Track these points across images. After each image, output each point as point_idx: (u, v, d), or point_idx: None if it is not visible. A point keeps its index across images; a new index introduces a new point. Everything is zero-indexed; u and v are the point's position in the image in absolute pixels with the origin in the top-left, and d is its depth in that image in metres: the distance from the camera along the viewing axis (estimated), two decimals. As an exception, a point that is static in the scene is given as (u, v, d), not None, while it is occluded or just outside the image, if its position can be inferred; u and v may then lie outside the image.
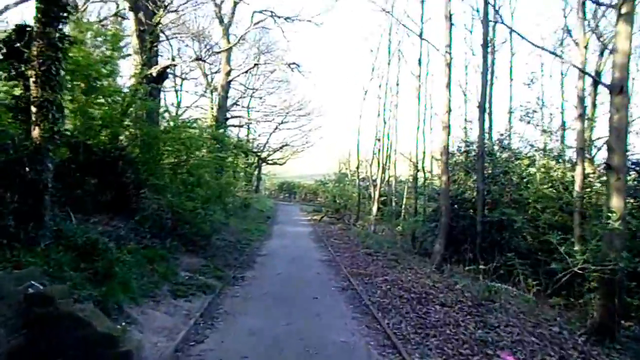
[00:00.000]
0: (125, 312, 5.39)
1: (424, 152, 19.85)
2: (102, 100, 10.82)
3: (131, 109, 11.47)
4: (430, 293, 8.89)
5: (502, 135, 16.44)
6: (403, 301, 8.13)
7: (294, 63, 30.61)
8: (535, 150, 14.76)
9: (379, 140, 25.81)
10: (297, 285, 9.09)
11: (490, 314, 7.81)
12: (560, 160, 13.66)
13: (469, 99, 20.13)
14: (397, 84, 23.55)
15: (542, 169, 13.74)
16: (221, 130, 17.80)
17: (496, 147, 15.86)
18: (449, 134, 13.05)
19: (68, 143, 10.04)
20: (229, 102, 35.74)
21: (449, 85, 12.72)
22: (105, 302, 5.16)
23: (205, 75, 35.34)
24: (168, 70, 18.12)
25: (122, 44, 16.30)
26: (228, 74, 29.36)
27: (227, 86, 29.69)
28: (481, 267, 11.76)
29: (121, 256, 6.84)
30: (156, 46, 16.30)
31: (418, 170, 19.13)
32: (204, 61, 24.63)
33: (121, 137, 11.47)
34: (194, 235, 11.16)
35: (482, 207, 15.04)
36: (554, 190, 12.96)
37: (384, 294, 8.68)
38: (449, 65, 12.81)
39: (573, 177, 12.92)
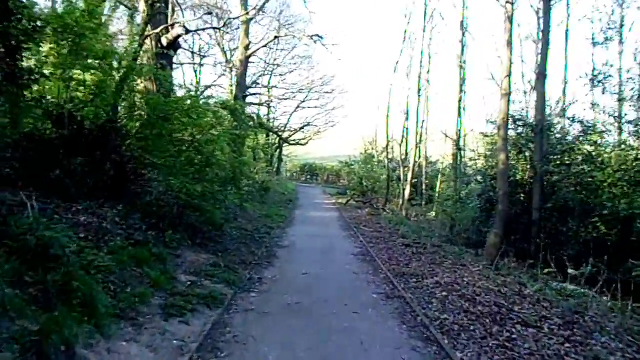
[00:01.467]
0: (79, 355, 3.55)
1: (461, 130, 17.60)
2: (94, 64, 8.99)
3: (132, 75, 9.62)
4: (501, 304, 6.85)
5: (566, 105, 14.00)
6: (471, 318, 6.13)
7: (316, 35, 28.44)
8: (611, 123, 12.34)
9: (408, 117, 23.52)
10: (328, 292, 7.18)
11: (592, 338, 5.76)
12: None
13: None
14: (430, 56, 21.09)
15: (621, 146, 11.39)
16: (238, 105, 15.89)
17: (557, 120, 13.50)
18: (509, 102, 10.79)
19: (49, 114, 8.30)
20: (249, 80, 33.83)
21: (510, 43, 10.44)
22: (42, 342, 3.32)
23: (224, 52, 33.34)
24: (182, 39, 16.28)
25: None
26: (247, 47, 27.39)
27: (245, 62, 27.74)
28: (550, 269, 9.67)
29: (95, 260, 5.04)
30: (166, 9, 14.46)
31: (460, 149, 16.89)
32: (218, 29, 22.53)
33: (120, 109, 9.71)
34: (202, 225, 9.36)
35: (540, 191, 12.81)
36: (637, 171, 10.62)
37: (442, 305, 6.70)
38: (510, 18, 10.49)
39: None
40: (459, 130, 17.61)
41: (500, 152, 10.55)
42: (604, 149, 12.04)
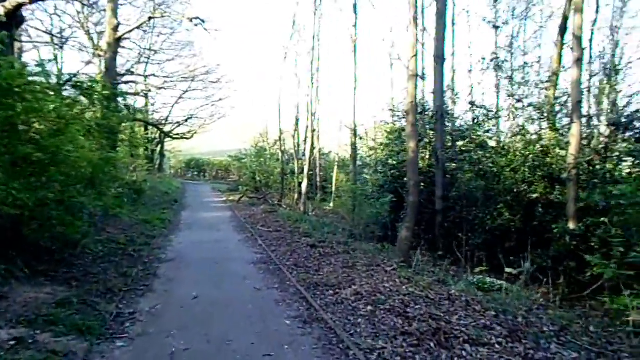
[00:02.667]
0: None
1: (355, 118, 16.84)
2: None
3: None
4: (437, 316, 5.79)
5: (469, 91, 13.82)
6: (411, 342, 4.90)
7: (197, 18, 25.84)
8: (509, 108, 12.31)
9: (299, 109, 22.36)
10: (226, 324, 5.47)
11: (543, 349, 4.94)
12: (539, 119, 11.27)
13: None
14: (318, 39, 20.05)
15: (517, 130, 11.33)
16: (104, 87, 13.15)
17: (453, 106, 13.26)
18: (416, 84, 9.97)
19: None
20: (122, 68, 29.93)
21: (415, 19, 9.58)
22: None
23: (90, 35, 28.84)
24: (32, 16, 12.95)
25: None
26: (115, 29, 23.82)
27: (115, 45, 24.08)
28: (465, 261, 9.08)
29: None
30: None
31: (361, 138, 16.06)
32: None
33: None
34: (51, 243, 6.97)
35: (442, 180, 12.42)
36: (536, 156, 10.58)
37: (372, 327, 5.42)
38: (415, -7, 9.64)
39: (559, 138, 10.66)
40: (355, 120, 16.80)
41: (410, 139, 9.70)
42: (504, 134, 12.00)
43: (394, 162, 14.21)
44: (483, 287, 8.57)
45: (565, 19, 12.85)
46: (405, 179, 13.59)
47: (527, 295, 7.75)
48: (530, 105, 11.03)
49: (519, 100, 11.07)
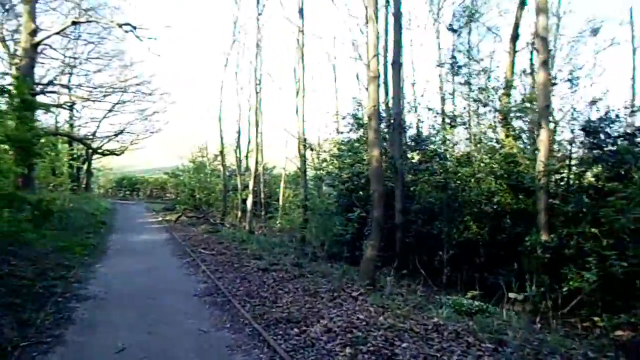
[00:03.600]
0: None
1: (303, 127, 15.80)
2: None
3: None
4: (432, 356, 4.73)
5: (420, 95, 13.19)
6: (415, 401, 3.79)
7: (127, 24, 23.87)
8: (470, 114, 11.77)
9: (240, 120, 21.05)
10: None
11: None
12: (502, 125, 10.79)
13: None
14: (258, 45, 18.96)
15: (478, 138, 10.78)
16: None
17: (412, 113, 12.59)
18: (378, 86, 9.07)
19: None
20: (44, 80, 27.13)
21: (375, 15, 8.73)
22: None
23: (4, 44, 25.78)
24: None
25: None
26: (33, 33, 21.58)
27: (32, 51, 21.81)
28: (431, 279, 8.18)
29: None
30: None
31: (311, 149, 14.96)
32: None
33: None
34: None
35: (401, 192, 11.60)
36: (501, 165, 10.02)
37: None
38: (373, -12, 8.80)
39: (520, 146, 10.18)
40: (303, 129, 15.71)
41: (373, 146, 8.74)
42: (465, 142, 11.44)
43: (347, 175, 13.25)
44: (461, 310, 7.70)
45: (516, 26, 12.68)
46: (361, 193, 12.69)
47: (513, 317, 6.91)
48: (494, 109, 10.52)
49: (485, 104, 10.54)
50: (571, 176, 9.20)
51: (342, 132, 14.16)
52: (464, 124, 11.63)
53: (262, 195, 24.97)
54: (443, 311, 6.52)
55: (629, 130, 8.44)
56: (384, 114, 13.37)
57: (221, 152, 23.89)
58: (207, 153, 29.88)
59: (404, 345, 5.07)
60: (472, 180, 10.28)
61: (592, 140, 8.81)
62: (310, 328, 5.72)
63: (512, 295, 6.99)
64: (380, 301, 7.02)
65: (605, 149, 8.84)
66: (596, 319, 6.98)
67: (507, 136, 10.18)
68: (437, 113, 11.79)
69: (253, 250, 12.41)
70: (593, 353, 5.64)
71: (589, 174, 9.51)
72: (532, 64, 12.27)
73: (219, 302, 7.23)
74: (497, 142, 10.45)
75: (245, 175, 25.07)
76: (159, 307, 6.87)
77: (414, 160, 12.02)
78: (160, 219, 23.59)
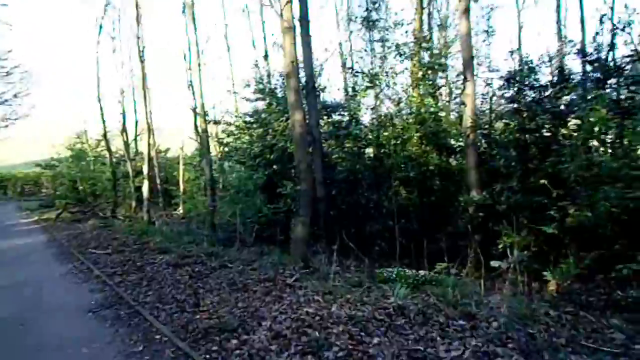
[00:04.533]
0: None
1: (200, 98, 14.00)
2: None
3: None
4: (416, 352, 3.84)
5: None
6: None
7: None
8: (389, 73, 10.97)
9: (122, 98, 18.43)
10: None
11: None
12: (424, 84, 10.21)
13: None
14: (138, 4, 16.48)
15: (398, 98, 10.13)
16: None
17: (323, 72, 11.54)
18: (294, 38, 7.83)
19: None
20: None
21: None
22: None
23: None
24: None
25: None
26: None
27: None
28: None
29: None
30: None
31: (215, 123, 13.22)
32: None
33: None
34: None
35: (320, 161, 10.66)
36: (425, 126, 9.48)
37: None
38: None
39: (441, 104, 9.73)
40: (203, 101, 13.90)
41: (294, 109, 7.56)
42: (385, 104, 10.73)
43: (259, 148, 11.93)
44: (407, 282, 7.02)
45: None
46: (276, 167, 11.50)
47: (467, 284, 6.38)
48: (414, 65, 9.85)
49: (403, 60, 9.80)
50: (494, 131, 8.94)
51: (250, 100, 12.70)
52: (381, 84, 10.94)
53: (159, 181, 22.50)
54: (395, 289, 5.68)
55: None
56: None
57: (104, 136, 20.84)
58: (87, 139, 26.14)
59: (375, 341, 4.11)
60: (397, 143, 9.65)
61: (514, 91, 8.57)
62: (251, 335, 4.49)
63: (495, 263, 6.39)
64: (323, 286, 5.99)
65: (525, 100, 8.68)
66: (545, 273, 6.70)
67: (427, 94, 9.67)
68: (356, 73, 10.88)
69: (157, 244, 10.65)
70: (554, 311, 5.27)
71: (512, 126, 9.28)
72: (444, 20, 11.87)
73: (123, 316, 5.63)
74: (413, 100, 9.85)
75: (137, 160, 22.37)
76: (35, 337, 5.10)
77: (335, 125, 11.10)
78: (36, 218, 20.03)
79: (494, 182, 8.67)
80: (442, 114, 9.80)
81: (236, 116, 13.92)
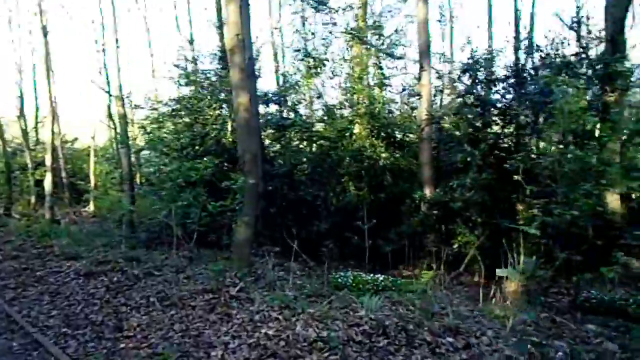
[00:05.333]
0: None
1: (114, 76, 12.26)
2: None
3: None
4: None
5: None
6: None
7: None
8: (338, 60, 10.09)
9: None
10: None
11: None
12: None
13: None
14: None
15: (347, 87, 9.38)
16: None
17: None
18: (241, 10, 6.76)
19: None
20: None
21: None
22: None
23: None
24: None
25: None
26: None
27: None
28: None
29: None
30: None
31: (135, 107, 11.52)
32: None
33: None
34: None
35: (260, 153, 9.72)
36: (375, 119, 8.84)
37: None
38: None
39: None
40: (119, 81, 12.16)
41: (239, 90, 6.49)
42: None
43: (188, 138, 10.62)
44: (366, 289, 6.30)
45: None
46: (206, 159, 10.25)
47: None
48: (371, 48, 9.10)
49: (363, 43, 8.99)
50: (447, 125, 8.55)
51: (179, 82, 11.25)
52: (324, 71, 10.13)
53: (65, 174, 19.87)
54: (371, 301, 4.90)
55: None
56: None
57: (-4, 122, 17.87)
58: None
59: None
60: (344, 135, 8.92)
61: (467, 84, 8.22)
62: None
63: (501, 272, 5.77)
64: (278, 298, 5.05)
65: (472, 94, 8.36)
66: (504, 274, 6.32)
67: (378, 84, 9.04)
68: (307, 54, 9.91)
69: (63, 247, 8.96)
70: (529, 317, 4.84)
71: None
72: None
73: (15, 348, 4.27)
74: (360, 90, 9.13)
75: (37, 150, 19.57)
76: None
77: (277, 116, 10.11)
78: None
79: (448, 179, 8.29)
80: (394, 105, 9.24)
81: (158, 102, 12.37)
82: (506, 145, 8.46)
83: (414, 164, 8.52)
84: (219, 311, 4.75)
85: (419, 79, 8.03)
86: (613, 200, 6.84)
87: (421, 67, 7.93)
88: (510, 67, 8.38)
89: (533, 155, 6.37)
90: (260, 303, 5.06)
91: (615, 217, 6.84)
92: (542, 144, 8.23)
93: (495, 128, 8.41)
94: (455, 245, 7.77)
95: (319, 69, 9.62)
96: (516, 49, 8.76)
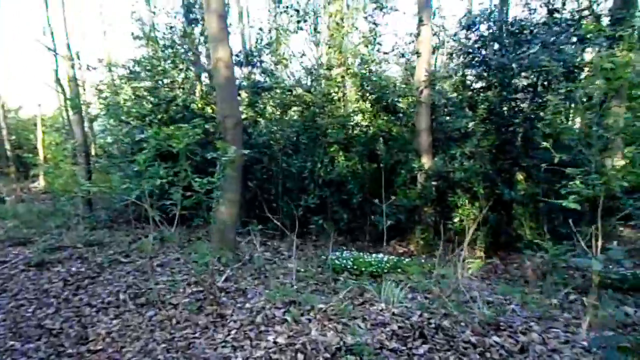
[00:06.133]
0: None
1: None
2: None
3: None
4: None
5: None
6: None
7: None
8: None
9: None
10: None
11: None
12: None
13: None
14: None
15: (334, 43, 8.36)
16: None
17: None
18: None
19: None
20: None
21: None
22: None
23: None
24: None
25: None
26: None
27: None
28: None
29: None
30: None
31: (88, 68, 10.03)
32: None
33: None
34: None
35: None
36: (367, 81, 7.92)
37: None
38: None
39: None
40: (63, 41, 10.61)
41: (218, 43, 5.43)
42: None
43: (152, 104, 9.41)
44: (371, 272, 5.59)
45: None
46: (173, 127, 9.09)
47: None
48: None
49: None
50: (447, 87, 7.80)
51: (139, 40, 9.83)
52: (309, 26, 9.02)
53: (9, 147, 17.98)
54: (393, 292, 4.16)
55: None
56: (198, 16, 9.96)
57: None
58: None
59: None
60: (333, 99, 7.99)
61: (468, 41, 7.44)
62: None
63: (581, 262, 5.05)
64: (280, 292, 4.23)
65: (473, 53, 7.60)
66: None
67: (367, 41, 8.08)
68: (283, 10, 8.75)
69: (9, 231, 7.82)
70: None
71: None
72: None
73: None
74: (347, 48, 8.17)
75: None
76: None
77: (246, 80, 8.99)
78: None
79: (445, 147, 7.60)
80: (386, 66, 8.34)
81: (111, 64, 10.91)
82: (506, 109, 7.83)
83: (408, 131, 7.75)
84: (209, 310, 3.90)
85: (417, 34, 7.16)
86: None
87: (420, 21, 7.04)
88: (511, 23, 7.62)
89: (559, 121, 5.71)
90: (256, 296, 4.24)
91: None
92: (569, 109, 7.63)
93: (496, 91, 7.72)
94: (457, 219, 7.16)
95: (301, 23, 8.55)
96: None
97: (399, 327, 3.43)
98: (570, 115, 8.47)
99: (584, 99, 5.13)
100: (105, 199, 10.63)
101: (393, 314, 3.74)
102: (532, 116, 7.50)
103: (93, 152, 13.85)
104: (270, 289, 4.51)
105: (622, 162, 5.47)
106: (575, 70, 7.26)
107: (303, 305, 3.89)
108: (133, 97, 10.04)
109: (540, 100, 7.61)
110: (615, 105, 6.29)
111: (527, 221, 7.40)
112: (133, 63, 10.14)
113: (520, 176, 8.05)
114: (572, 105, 7.68)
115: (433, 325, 3.47)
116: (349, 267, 5.66)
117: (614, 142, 5.23)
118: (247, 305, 4.00)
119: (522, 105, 7.83)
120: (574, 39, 7.13)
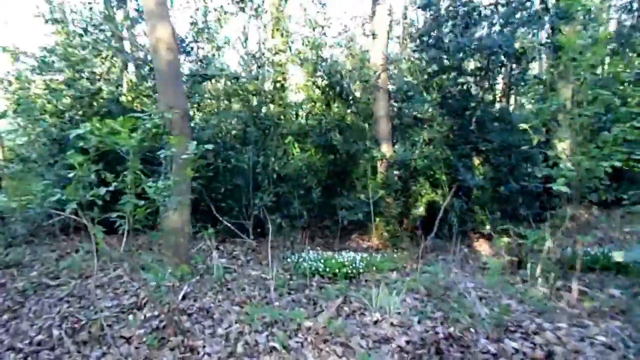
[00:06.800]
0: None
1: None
2: None
3: None
4: None
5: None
6: None
7: None
8: None
9: None
10: None
11: None
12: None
13: None
14: None
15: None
16: None
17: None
18: None
19: None
20: None
21: None
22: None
23: None
24: None
25: None
26: None
27: None
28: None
29: None
30: None
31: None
32: None
33: None
34: None
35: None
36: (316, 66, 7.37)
37: None
38: None
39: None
40: None
41: (157, 21, 4.60)
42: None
43: (71, 98, 8.27)
44: (345, 274, 5.09)
45: None
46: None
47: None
48: None
49: None
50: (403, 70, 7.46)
51: (51, 23, 8.48)
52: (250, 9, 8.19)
53: None
54: (373, 294, 3.69)
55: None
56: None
57: None
58: None
59: None
60: (283, 87, 7.34)
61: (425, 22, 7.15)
62: None
63: (618, 256, 4.65)
64: (254, 312, 3.60)
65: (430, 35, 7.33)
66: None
67: (314, 23, 7.51)
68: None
69: None
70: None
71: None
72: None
73: None
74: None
75: None
76: None
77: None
78: None
79: (406, 134, 7.30)
80: (337, 50, 7.82)
81: (15, 53, 9.42)
82: (457, 93, 7.65)
83: (364, 118, 7.33)
84: (174, 343, 3.18)
85: (372, 14, 6.72)
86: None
87: (374, 1, 6.61)
88: (464, 2, 7.43)
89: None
90: (226, 317, 3.59)
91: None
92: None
93: (450, 75, 7.51)
94: (421, 208, 6.88)
95: (242, 4, 7.75)
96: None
97: (407, 342, 2.97)
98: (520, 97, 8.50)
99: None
100: (18, 209, 9.19)
101: (392, 324, 3.29)
102: (481, 99, 7.40)
103: (1, 156, 12.08)
104: (239, 304, 3.88)
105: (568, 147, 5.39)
106: (525, 52, 7.22)
107: (287, 325, 3.32)
108: (47, 90, 8.76)
109: (489, 83, 7.53)
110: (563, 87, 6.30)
111: (487, 206, 7.30)
112: (45, 52, 8.82)
113: (477, 161, 7.96)
114: (523, 86, 7.68)
115: (442, 336, 3.05)
116: (320, 269, 5.13)
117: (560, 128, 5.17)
118: (219, 330, 3.35)
119: (472, 88, 7.72)
120: (525, 20, 7.08)
